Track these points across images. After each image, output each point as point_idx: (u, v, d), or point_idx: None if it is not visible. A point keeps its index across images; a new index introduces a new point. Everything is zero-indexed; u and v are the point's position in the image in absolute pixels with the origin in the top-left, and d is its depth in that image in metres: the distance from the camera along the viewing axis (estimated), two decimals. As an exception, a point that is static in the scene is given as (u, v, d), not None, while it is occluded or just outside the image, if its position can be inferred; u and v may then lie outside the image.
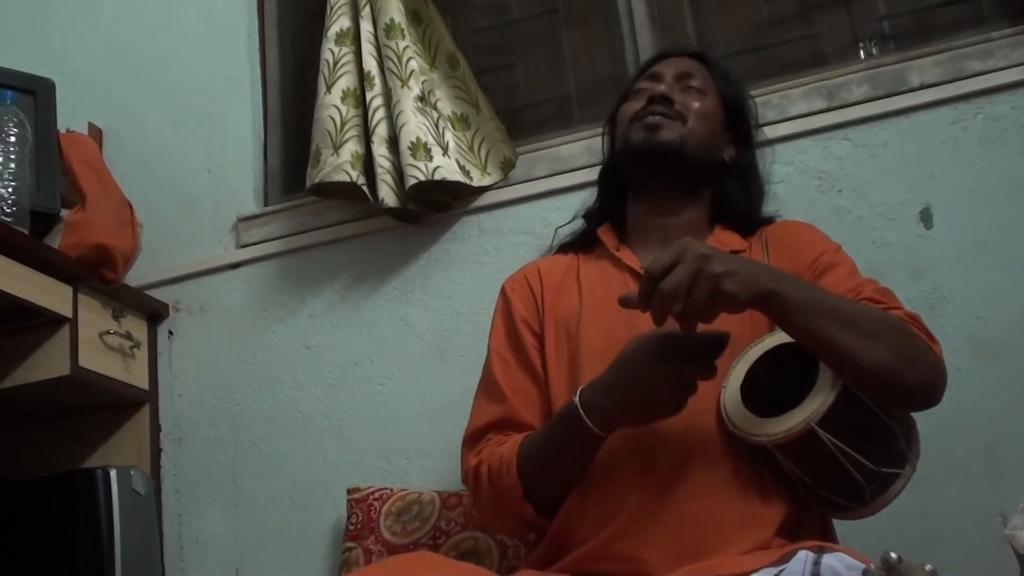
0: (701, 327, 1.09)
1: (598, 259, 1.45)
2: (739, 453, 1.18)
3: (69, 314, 1.79)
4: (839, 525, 1.30)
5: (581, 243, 1.51)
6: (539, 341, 1.38)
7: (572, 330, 1.35)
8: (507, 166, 1.95)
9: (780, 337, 1.20)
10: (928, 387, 1.17)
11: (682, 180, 1.44)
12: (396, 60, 1.91)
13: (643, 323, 1.12)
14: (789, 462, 1.15)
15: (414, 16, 2.00)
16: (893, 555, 0.84)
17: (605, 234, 1.47)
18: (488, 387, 1.38)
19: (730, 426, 1.17)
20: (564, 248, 1.54)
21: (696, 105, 1.45)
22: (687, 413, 1.15)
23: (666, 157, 1.41)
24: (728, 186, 1.48)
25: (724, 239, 1.42)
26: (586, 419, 1.17)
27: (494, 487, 1.25)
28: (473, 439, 1.34)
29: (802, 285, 1.17)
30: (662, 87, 1.45)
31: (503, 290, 1.47)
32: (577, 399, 1.19)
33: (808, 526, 1.20)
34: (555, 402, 1.31)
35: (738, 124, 1.52)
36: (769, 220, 1.49)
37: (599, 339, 1.31)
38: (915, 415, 1.60)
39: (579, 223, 1.59)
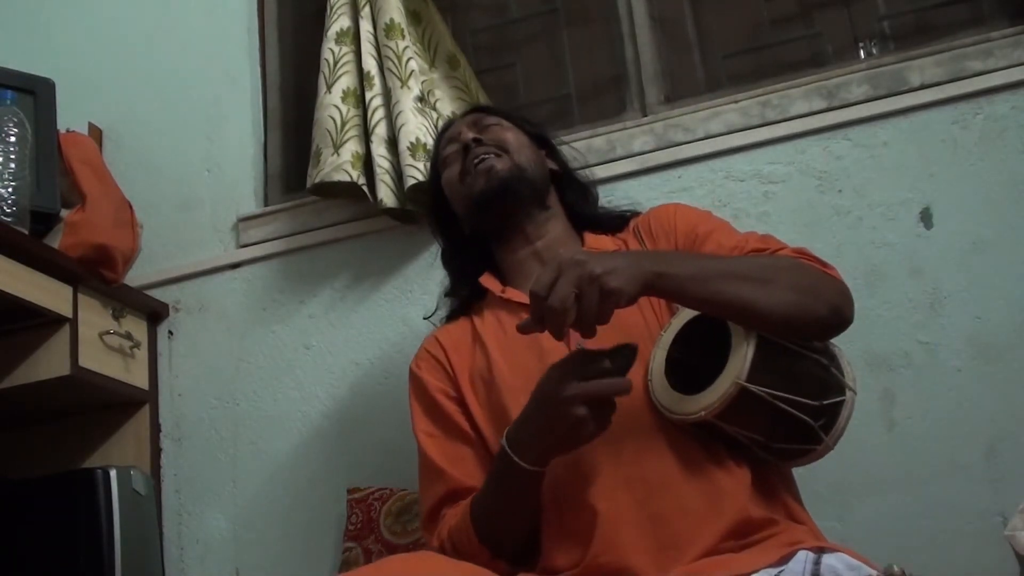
0: (605, 331, 1.08)
1: (490, 309, 1.45)
2: (685, 436, 1.18)
3: (69, 314, 1.79)
4: (838, 526, 1.30)
5: (467, 303, 1.50)
6: (460, 405, 1.37)
7: (487, 379, 1.35)
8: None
9: (686, 315, 1.21)
10: (837, 310, 1.18)
11: (534, 200, 1.46)
12: (396, 60, 1.91)
13: (551, 348, 1.13)
14: (735, 427, 1.14)
15: (414, 16, 2.00)
16: (896, 568, 0.84)
17: (488, 281, 1.48)
18: (426, 470, 1.36)
19: (666, 413, 1.18)
20: (453, 316, 1.53)
21: (507, 135, 1.48)
22: (622, 417, 1.14)
23: (514, 187, 1.43)
24: (568, 195, 1.53)
25: (596, 244, 1.44)
26: (516, 459, 1.16)
27: (462, 557, 1.24)
28: (429, 522, 1.33)
29: (685, 257, 1.19)
30: (468, 135, 1.48)
31: (411, 372, 1.46)
32: (504, 441, 1.18)
33: (778, 485, 1.21)
34: (494, 453, 1.31)
35: (540, 140, 1.56)
36: (635, 213, 1.51)
37: (514, 377, 1.31)
38: (911, 414, 1.62)
39: (447, 303, 1.58)
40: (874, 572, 0.90)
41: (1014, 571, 1.04)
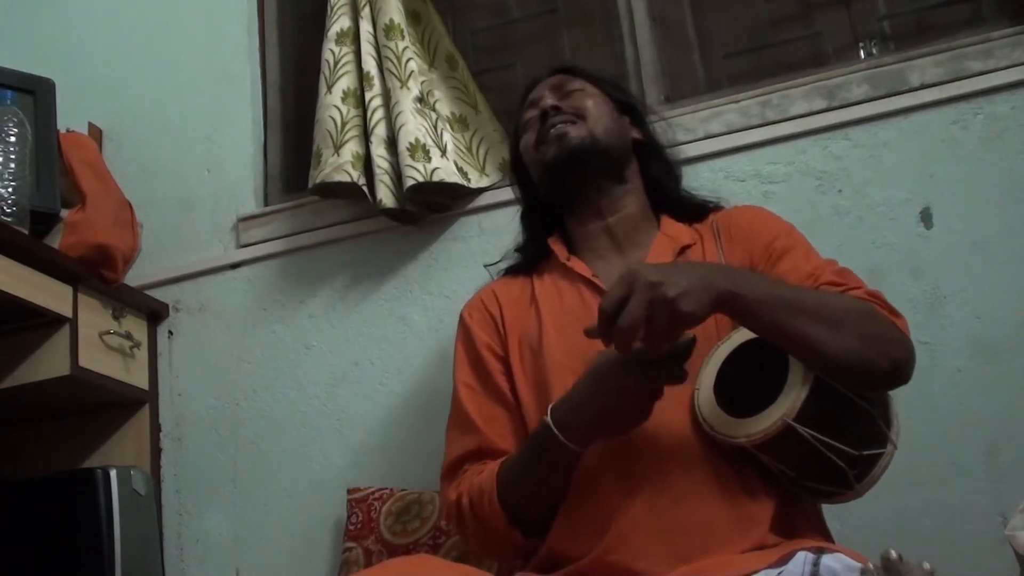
0: None
1: (550, 273, 1.44)
2: (720, 454, 1.17)
3: (69, 314, 1.79)
4: (838, 526, 1.30)
5: (531, 261, 1.49)
6: (504, 364, 1.37)
7: (536, 348, 1.34)
8: (505, 167, 1.95)
9: (746, 333, 1.20)
10: (898, 365, 1.16)
11: (609, 173, 1.43)
12: (395, 61, 1.91)
13: None
14: (771, 459, 1.14)
15: (413, 16, 2.00)
16: (893, 553, 0.83)
17: (555, 244, 1.46)
18: (458, 419, 1.36)
19: (707, 429, 1.17)
20: (514, 270, 1.52)
21: (587, 102, 1.46)
22: (663, 420, 1.15)
23: (586, 158, 1.41)
24: (652, 169, 1.49)
25: (673, 232, 1.41)
26: (560, 436, 1.16)
27: (478, 518, 1.24)
28: (450, 473, 1.32)
29: (760, 281, 1.16)
30: (547, 102, 1.46)
31: (461, 318, 1.45)
32: (549, 417, 1.18)
33: (802, 517, 1.20)
34: (528, 422, 1.31)
35: (627, 106, 1.53)
36: (717, 207, 1.48)
37: (563, 354, 1.30)
38: (911, 414, 1.62)
39: (511, 258, 1.57)
40: (868, 565, 0.90)
41: (1014, 571, 1.04)
